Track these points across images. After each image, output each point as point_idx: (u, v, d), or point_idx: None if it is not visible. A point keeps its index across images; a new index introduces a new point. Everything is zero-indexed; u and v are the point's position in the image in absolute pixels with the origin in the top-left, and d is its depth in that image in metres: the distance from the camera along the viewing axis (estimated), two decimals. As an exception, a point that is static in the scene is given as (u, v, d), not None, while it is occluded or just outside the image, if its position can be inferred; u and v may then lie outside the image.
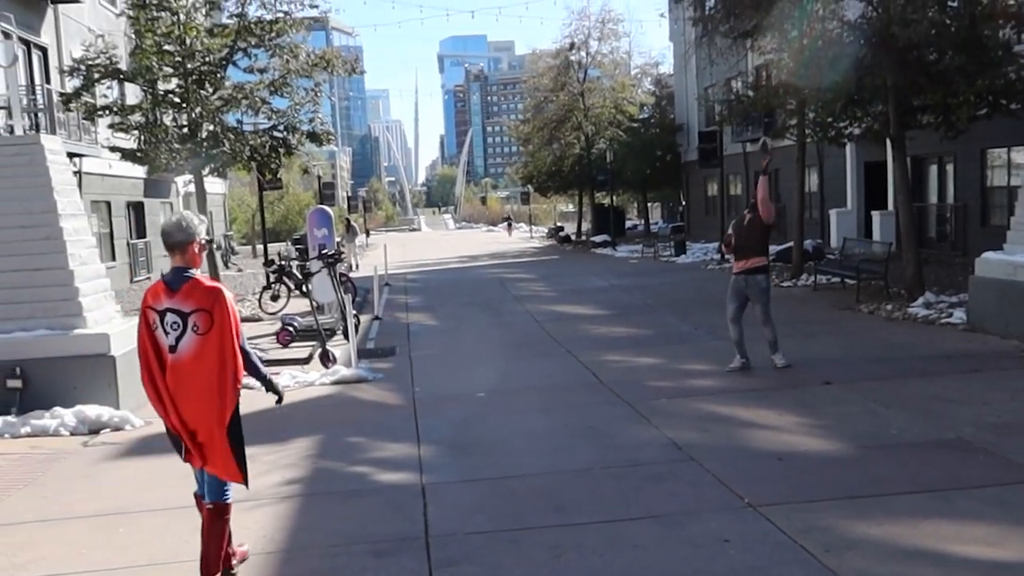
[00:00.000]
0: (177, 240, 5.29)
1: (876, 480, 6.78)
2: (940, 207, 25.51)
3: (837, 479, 6.87)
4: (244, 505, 7.11)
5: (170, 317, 5.21)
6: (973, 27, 14.43)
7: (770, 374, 11.13)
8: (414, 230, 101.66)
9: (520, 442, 8.66)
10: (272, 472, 8.03)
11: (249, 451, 8.83)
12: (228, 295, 5.27)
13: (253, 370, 5.56)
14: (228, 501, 5.49)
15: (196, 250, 5.34)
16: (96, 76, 20.20)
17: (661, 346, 13.90)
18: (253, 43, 20.94)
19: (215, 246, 23.35)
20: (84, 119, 23.40)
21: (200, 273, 5.34)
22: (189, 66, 20.52)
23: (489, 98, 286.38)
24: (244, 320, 19.76)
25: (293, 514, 6.90)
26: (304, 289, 21.20)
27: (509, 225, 79.99)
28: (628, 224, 58.23)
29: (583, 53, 46.51)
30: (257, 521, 6.74)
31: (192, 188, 25.31)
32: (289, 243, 39.85)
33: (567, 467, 7.66)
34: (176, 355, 5.19)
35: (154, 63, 20.38)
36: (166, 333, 5.22)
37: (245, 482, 5.46)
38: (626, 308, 18.85)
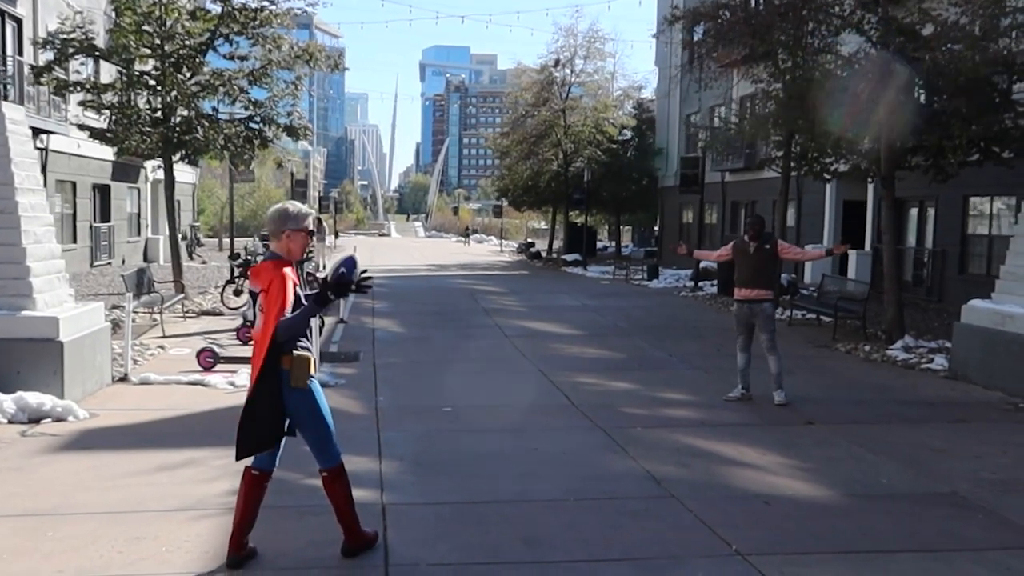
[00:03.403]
0: (271, 229, 5.52)
1: (871, 534, 6.33)
2: (918, 251, 25.30)
3: (829, 530, 6.42)
4: (188, 514, 6.57)
5: (253, 296, 5.53)
6: (975, 70, 14.13)
7: (752, 409, 10.70)
8: (384, 235, 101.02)
9: (489, 464, 8.15)
10: (220, 479, 7.45)
11: (197, 454, 8.35)
12: (283, 279, 5.30)
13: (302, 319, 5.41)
14: (340, 461, 5.73)
15: (287, 240, 5.47)
16: (70, 51, 19.51)
17: (635, 371, 13.44)
18: (236, 30, 20.29)
19: (180, 235, 22.63)
20: (54, 94, 22.71)
21: (281, 263, 5.44)
22: (167, 48, 19.88)
23: (468, 110, 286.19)
24: (204, 313, 19.19)
25: (241, 528, 6.34)
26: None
27: (467, 235, 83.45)
28: (599, 245, 57.96)
29: (568, 70, 46.22)
30: (199, 534, 6.18)
31: (161, 174, 24.66)
32: (256, 238, 39.10)
33: (539, 495, 7.16)
34: (254, 331, 5.51)
35: (132, 42, 19.73)
36: (256, 313, 5.48)
37: (236, 457, 5.57)
38: (599, 329, 18.39)
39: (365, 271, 5.85)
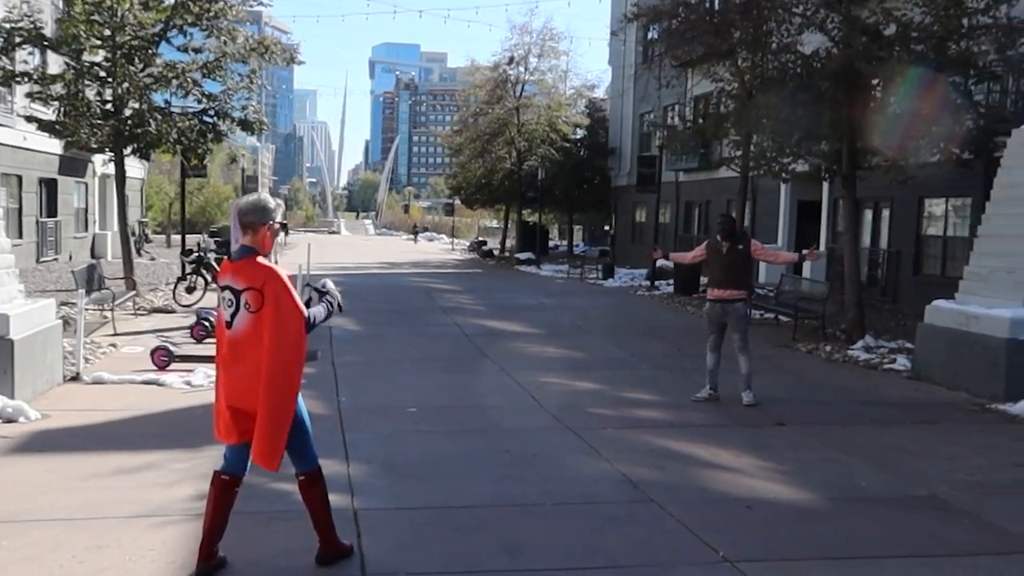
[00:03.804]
0: (250, 220, 5.27)
1: (857, 540, 6.20)
2: (873, 252, 25.46)
3: (814, 535, 6.28)
4: (151, 521, 6.29)
5: (227, 294, 5.23)
6: (938, 71, 14.18)
7: (721, 410, 10.59)
8: (334, 232, 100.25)
9: (460, 466, 7.93)
10: (183, 483, 7.17)
11: (159, 457, 8.02)
12: (283, 276, 5.15)
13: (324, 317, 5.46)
14: (318, 465, 5.51)
15: (268, 233, 5.30)
16: (17, 40, 18.91)
17: (599, 371, 13.28)
18: (190, 21, 19.83)
19: (129, 231, 22.07)
20: (0, 86, 22.05)
21: (264, 258, 5.27)
22: (119, 39, 19.36)
23: (418, 108, 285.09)
24: (156, 311, 18.74)
25: (207, 536, 6.06)
26: (223, 283, 20.33)
27: (416, 233, 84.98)
28: (551, 244, 57.91)
29: (522, 68, 46.05)
30: (165, 542, 5.89)
31: (110, 169, 24.07)
32: (206, 235, 38.48)
33: (517, 499, 6.96)
34: (232, 332, 5.19)
35: (82, 32, 19.18)
36: (225, 309, 5.24)
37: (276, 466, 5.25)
38: (558, 328, 18.23)
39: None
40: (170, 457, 7.91)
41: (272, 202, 5.38)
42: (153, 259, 35.26)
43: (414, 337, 16.45)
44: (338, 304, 5.53)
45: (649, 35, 38.77)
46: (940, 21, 14.75)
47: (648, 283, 28.57)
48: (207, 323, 14.81)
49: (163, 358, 12.50)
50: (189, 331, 15.08)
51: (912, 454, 8.68)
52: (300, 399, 5.42)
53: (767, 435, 9.39)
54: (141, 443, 8.50)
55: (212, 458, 7.85)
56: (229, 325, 5.21)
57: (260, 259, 5.21)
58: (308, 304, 5.39)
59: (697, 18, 20.87)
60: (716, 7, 20.75)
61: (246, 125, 20.94)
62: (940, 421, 10.35)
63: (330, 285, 5.58)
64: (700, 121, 23.63)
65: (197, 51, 20.63)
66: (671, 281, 27.23)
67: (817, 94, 15.28)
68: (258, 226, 5.25)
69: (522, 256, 42.98)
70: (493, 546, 5.94)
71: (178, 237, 37.45)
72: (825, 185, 25.62)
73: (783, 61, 17.10)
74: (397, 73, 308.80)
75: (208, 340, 14.41)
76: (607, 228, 57.78)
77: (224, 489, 5.38)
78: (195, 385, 11.13)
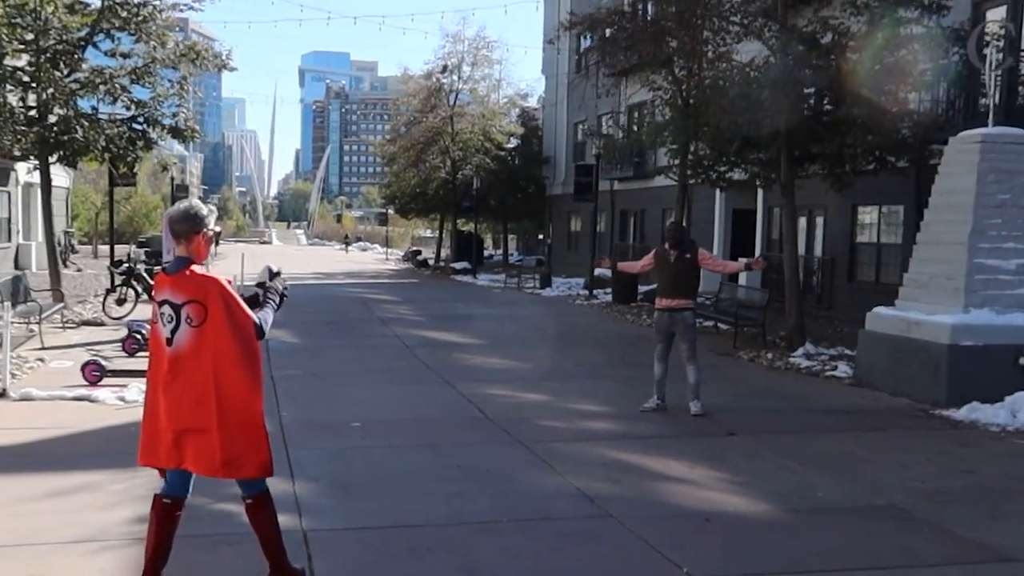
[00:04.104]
0: (183, 229, 5.01)
1: (822, 551, 6.10)
2: (808, 259, 25.68)
3: (778, 548, 6.16)
4: (88, 547, 5.96)
5: (166, 309, 4.93)
6: (875, 79, 14.29)
7: (671, 421, 10.48)
8: (265, 243, 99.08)
9: (410, 483, 7.68)
10: (120, 505, 6.83)
11: (92, 477, 7.65)
12: (226, 286, 4.90)
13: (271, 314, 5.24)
14: (266, 486, 5.26)
15: (203, 241, 5.05)
16: (-66, 44, 18.23)
17: (544, 382, 13.10)
18: (117, 25, 19.28)
19: (56, 242, 21.41)
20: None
21: (201, 267, 5.02)
22: (43, 43, 18.74)
23: (349, 116, 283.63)
24: (85, 324, 18.16)
25: (149, 562, 5.74)
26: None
27: (347, 243, 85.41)
28: (485, 254, 57.76)
29: (455, 77, 45.85)
30: (103, 570, 5.57)
31: (34, 178, 23.34)
32: (134, 245, 37.66)
33: (470, 517, 6.73)
34: (173, 348, 4.91)
35: (3, 36, 18.51)
36: (164, 325, 4.94)
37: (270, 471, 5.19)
38: (500, 339, 18.04)
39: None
40: (106, 478, 7.55)
41: (204, 208, 5.14)
42: (80, 270, 34.36)
43: (354, 349, 16.14)
44: (281, 295, 5.31)
45: (584, 44, 39.08)
46: (877, 30, 14.87)
47: (586, 292, 28.52)
48: (139, 336, 14.34)
49: (94, 373, 12.03)
50: (121, 344, 14.59)
51: (866, 462, 8.64)
52: None
53: (719, 445, 9.29)
54: (75, 463, 8.11)
55: (151, 478, 7.48)
56: (170, 342, 4.92)
57: (197, 268, 4.97)
58: (253, 304, 5.14)
59: (633, 27, 20.90)
60: (652, 16, 20.74)
61: (177, 133, 20.40)
62: (889, 428, 10.36)
63: (274, 268, 5.37)
64: (637, 129, 23.59)
65: (125, 56, 20.07)
66: (609, 290, 27.20)
67: (756, 102, 15.29)
68: (191, 234, 5.00)
69: (458, 266, 42.75)
70: (449, 567, 5.71)
71: (105, 248, 36.61)
72: (760, 193, 25.86)
73: (721, 69, 17.12)
74: (327, 82, 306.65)
75: (141, 353, 13.96)
76: (541, 237, 57.90)
77: (166, 513, 5.09)
78: (129, 401, 10.71)
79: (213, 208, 5.29)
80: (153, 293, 5.18)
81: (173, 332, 4.90)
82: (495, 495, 7.32)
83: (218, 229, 5.39)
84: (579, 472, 8.01)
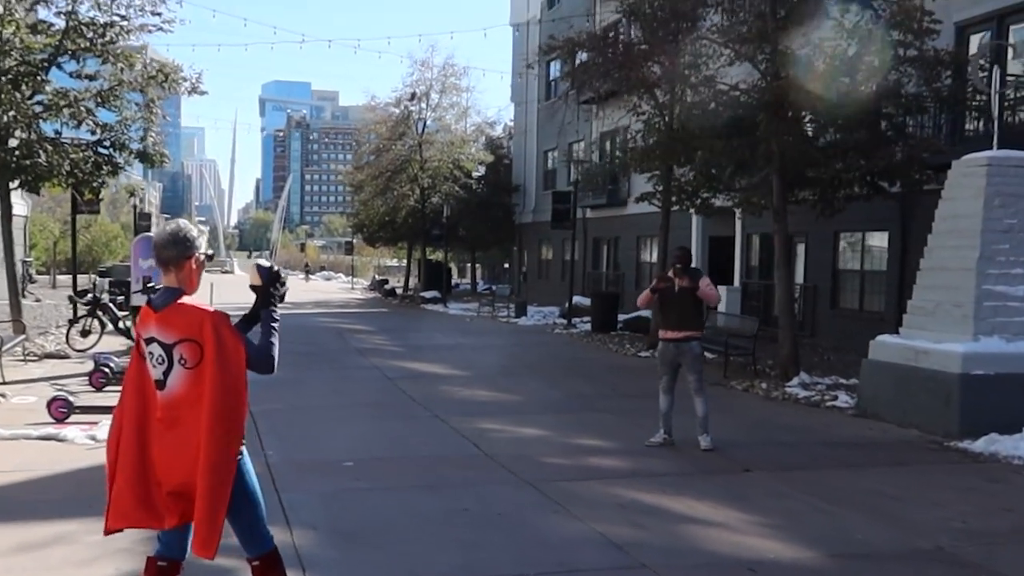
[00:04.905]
0: (171, 255, 4.36)
1: (885, 605, 5.56)
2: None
3: (837, 602, 5.62)
4: (70, 614, 5.26)
5: (155, 348, 4.28)
6: (872, 102, 13.95)
7: (681, 456, 9.93)
8: (227, 272, 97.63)
9: (417, 530, 7.05)
10: (101, 560, 6.17)
11: (66, 527, 6.91)
12: (222, 320, 4.25)
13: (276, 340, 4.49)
14: (274, 545, 4.66)
15: (194, 267, 4.41)
16: None
17: (539, 415, 12.51)
18: (83, 46, 18.58)
19: (15, 271, 20.57)
20: None
21: (192, 297, 4.36)
22: (4, 64, 17.96)
23: (310, 146, 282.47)
24: (49, 356, 17.34)
25: (140, 629, 5.08)
26: (123, 326, 18.97)
27: (308, 272, 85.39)
28: (453, 283, 57.15)
29: (423, 104, 45.35)
30: (90, 639, 4.90)
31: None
32: (95, 275, 36.70)
33: (490, 570, 6.13)
34: (167, 393, 4.29)
35: (-38, 57, 17.79)
36: (154, 366, 4.30)
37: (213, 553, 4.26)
38: (484, 369, 17.43)
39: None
40: (81, 528, 6.85)
41: (193, 230, 4.51)
42: (39, 300, 33.36)
43: (335, 381, 15.47)
44: (281, 296, 4.53)
45: (553, 72, 38.79)
46: (872, 53, 14.56)
47: (565, 321, 27.98)
48: (107, 369, 13.63)
49: (61, 409, 11.29)
50: (87, 378, 13.86)
51: (897, 500, 8.13)
52: (249, 464, 4.53)
53: (738, 483, 8.75)
54: (45, 511, 7.39)
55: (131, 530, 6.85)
56: (161, 385, 4.30)
57: (188, 300, 4.34)
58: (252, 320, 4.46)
59: (615, 51, 20.50)
60: (637, 39, 20.35)
61: (145, 157, 19.67)
62: (911, 463, 9.88)
63: (270, 265, 4.56)
64: (611, 157, 23.12)
65: (91, 78, 19.35)
66: (587, 318, 26.72)
67: (751, 125, 14.89)
68: (181, 260, 4.36)
69: (428, 295, 42.15)
70: (482, 631, 5.11)
71: (63, 277, 35.58)
72: (738, 220, 25.52)
73: (715, 91, 16.70)
74: (289, 111, 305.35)
75: (110, 388, 13.23)
76: (507, 265, 57.44)
77: None
78: (100, 440, 9.95)
79: (203, 229, 4.66)
80: (138, 329, 4.51)
81: (166, 374, 4.29)
82: (513, 544, 6.72)
83: (210, 252, 4.66)
84: (598, 516, 7.42)
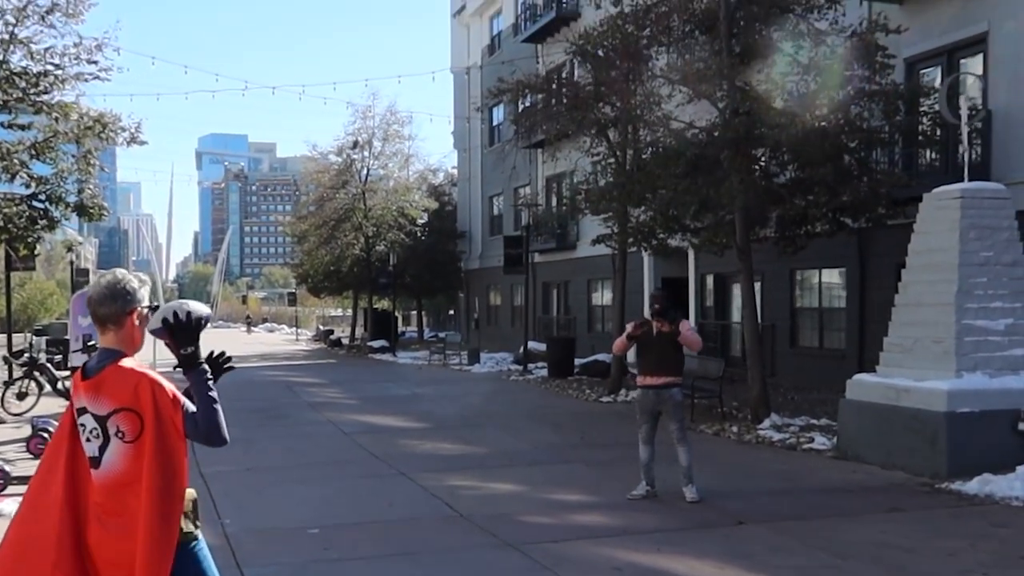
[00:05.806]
0: (108, 312, 3.74)
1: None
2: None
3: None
4: None
5: (87, 420, 3.69)
6: (840, 136, 13.70)
7: (667, 510, 9.37)
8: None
9: (400, 607, 6.41)
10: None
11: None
12: (163, 385, 3.62)
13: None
14: None
15: (136, 324, 3.78)
16: None
17: (507, 468, 11.90)
18: (16, 96, 17.81)
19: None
20: None
21: (132, 359, 3.73)
22: (-69, 115, 17.21)
23: (249, 198, 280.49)
24: (-19, 423, 16.37)
25: None
26: (62, 387, 18.01)
27: (249, 324, 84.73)
28: (399, 331, 56.40)
29: (366, 152, 44.81)
30: None
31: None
32: (31, 334, 35.38)
33: (490, 652, 5.51)
34: (103, 472, 3.66)
35: None
36: (88, 440, 3.70)
37: None
38: (444, 421, 16.75)
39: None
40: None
41: (135, 280, 3.86)
42: (-30, 362, 32.05)
43: (289, 439, 14.70)
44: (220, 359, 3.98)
45: (498, 117, 38.57)
46: (832, 87, 14.33)
47: (520, 367, 27.39)
48: (45, 434, 12.77)
49: (-3, 480, 10.47)
50: (25, 445, 13.00)
51: (909, 552, 7.64)
52: (206, 552, 3.88)
53: (736, 538, 8.20)
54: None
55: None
56: (96, 462, 3.69)
57: (127, 363, 3.72)
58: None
59: (564, 93, 20.22)
60: (587, 80, 20.05)
61: (83, 210, 18.86)
62: (908, 508, 9.41)
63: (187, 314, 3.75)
64: (571, 198, 22.70)
65: (24, 128, 18.55)
66: (543, 364, 26.18)
67: (714, 162, 14.56)
68: (121, 316, 3.75)
69: (376, 344, 41.33)
70: None
71: (-2, 337, 34.21)
72: (691, 260, 25.26)
73: (673, 130, 16.36)
74: (226, 163, 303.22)
75: (49, 455, 12.36)
76: (452, 312, 56.82)
77: None
78: (41, 514, 9.17)
79: (145, 279, 3.93)
80: (71, 398, 3.90)
81: (101, 450, 3.67)
82: (508, 618, 6.10)
83: (156, 304, 3.94)
84: (595, 581, 6.83)
